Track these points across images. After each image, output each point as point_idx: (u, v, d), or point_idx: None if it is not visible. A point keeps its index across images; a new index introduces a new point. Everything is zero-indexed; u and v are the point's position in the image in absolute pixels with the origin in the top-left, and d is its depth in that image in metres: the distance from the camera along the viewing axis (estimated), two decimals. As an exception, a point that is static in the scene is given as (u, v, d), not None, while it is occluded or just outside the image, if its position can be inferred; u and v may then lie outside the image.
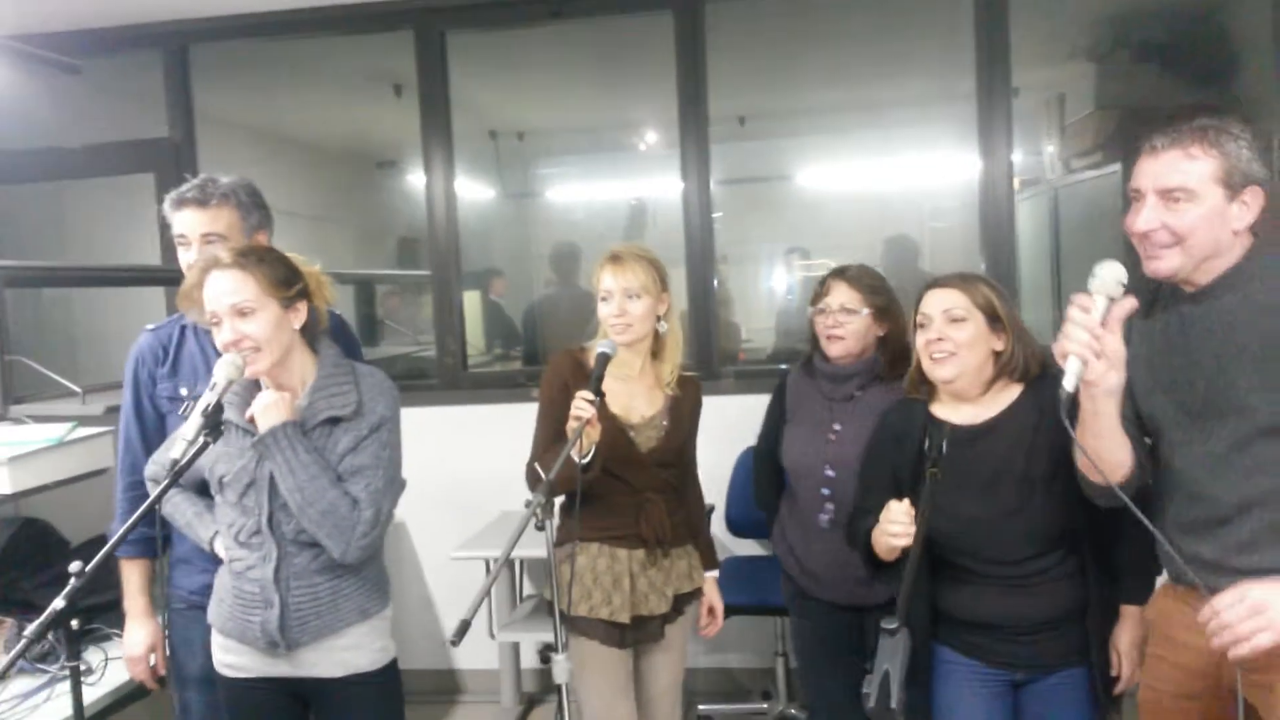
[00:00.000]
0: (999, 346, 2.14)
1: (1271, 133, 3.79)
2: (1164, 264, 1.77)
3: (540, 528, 2.04)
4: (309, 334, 2.12)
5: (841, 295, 2.56)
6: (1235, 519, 1.77)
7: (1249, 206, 1.74)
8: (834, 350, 2.57)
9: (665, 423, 2.51)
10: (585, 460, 2.29)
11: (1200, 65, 4.51)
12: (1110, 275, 1.67)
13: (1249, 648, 1.61)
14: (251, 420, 2.04)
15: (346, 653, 2.12)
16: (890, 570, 2.17)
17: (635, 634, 2.49)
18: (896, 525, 1.99)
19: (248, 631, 2.07)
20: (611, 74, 4.68)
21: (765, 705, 3.74)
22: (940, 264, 4.65)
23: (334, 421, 2.07)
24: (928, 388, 2.24)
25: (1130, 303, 1.67)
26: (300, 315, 2.07)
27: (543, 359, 4.71)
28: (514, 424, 4.10)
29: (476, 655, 3.94)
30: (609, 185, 4.95)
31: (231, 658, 2.13)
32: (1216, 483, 1.78)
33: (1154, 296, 1.91)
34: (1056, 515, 2.06)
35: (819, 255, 5.20)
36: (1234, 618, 1.62)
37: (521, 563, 3.93)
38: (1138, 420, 1.91)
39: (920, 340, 2.19)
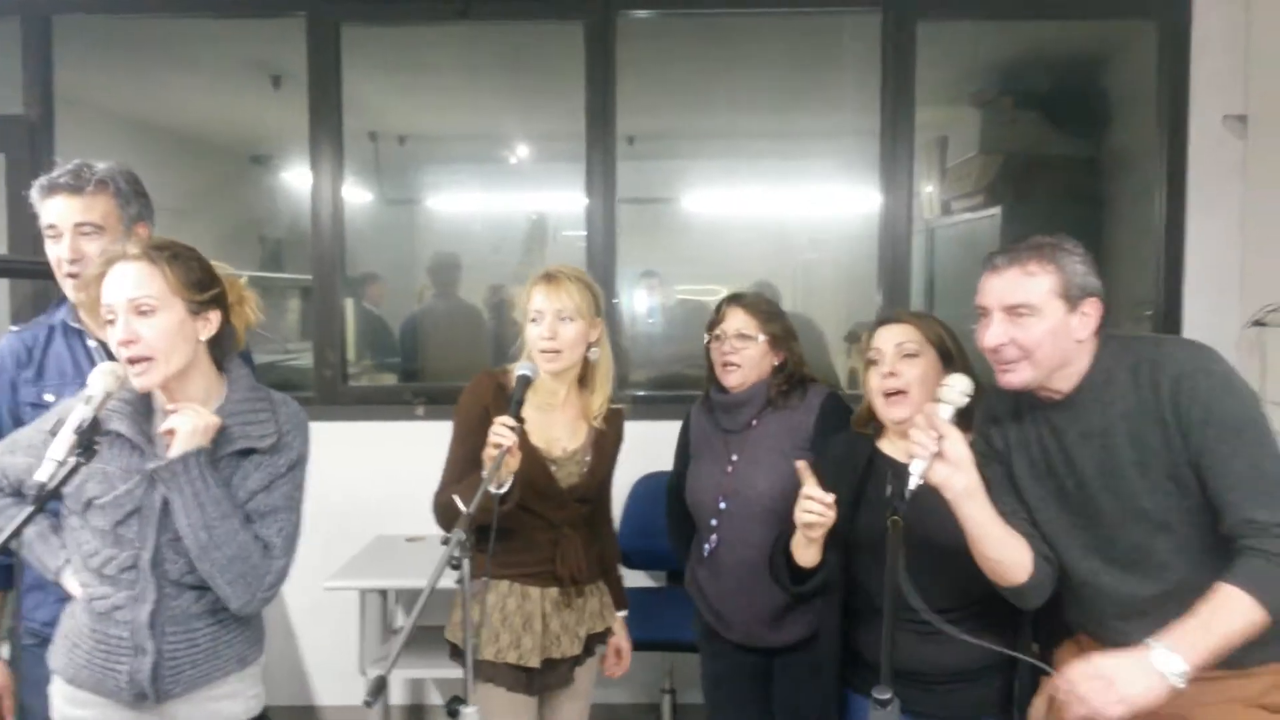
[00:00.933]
0: None
1: (1151, 184, 3.95)
2: (1016, 377, 1.84)
3: (456, 566, 1.84)
4: (218, 351, 1.88)
5: (738, 321, 2.51)
6: (1154, 610, 1.80)
7: (1089, 317, 1.83)
8: (730, 380, 2.52)
9: (589, 458, 2.37)
10: (503, 491, 2.13)
11: (1079, 117, 4.68)
12: (958, 387, 1.84)
13: None
14: (163, 437, 1.78)
15: (220, 703, 1.90)
16: (806, 580, 2.10)
17: (544, 678, 2.33)
18: (812, 503, 1.94)
19: (108, 682, 1.81)
20: (512, 83, 4.53)
21: (652, 744, 3.63)
22: (813, 298, 4.68)
23: (244, 453, 1.84)
24: (875, 424, 2.19)
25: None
26: (210, 326, 1.83)
27: (422, 374, 4.49)
28: (395, 443, 3.91)
29: (342, 691, 3.69)
30: (500, 197, 4.76)
31: (81, 711, 1.86)
32: (1129, 583, 1.83)
33: (1017, 403, 1.97)
34: None
35: (697, 282, 5.14)
36: (1086, 691, 1.67)
37: (394, 593, 3.70)
38: (1034, 524, 1.94)
39: (873, 378, 2.15)
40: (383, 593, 3.54)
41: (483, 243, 4.78)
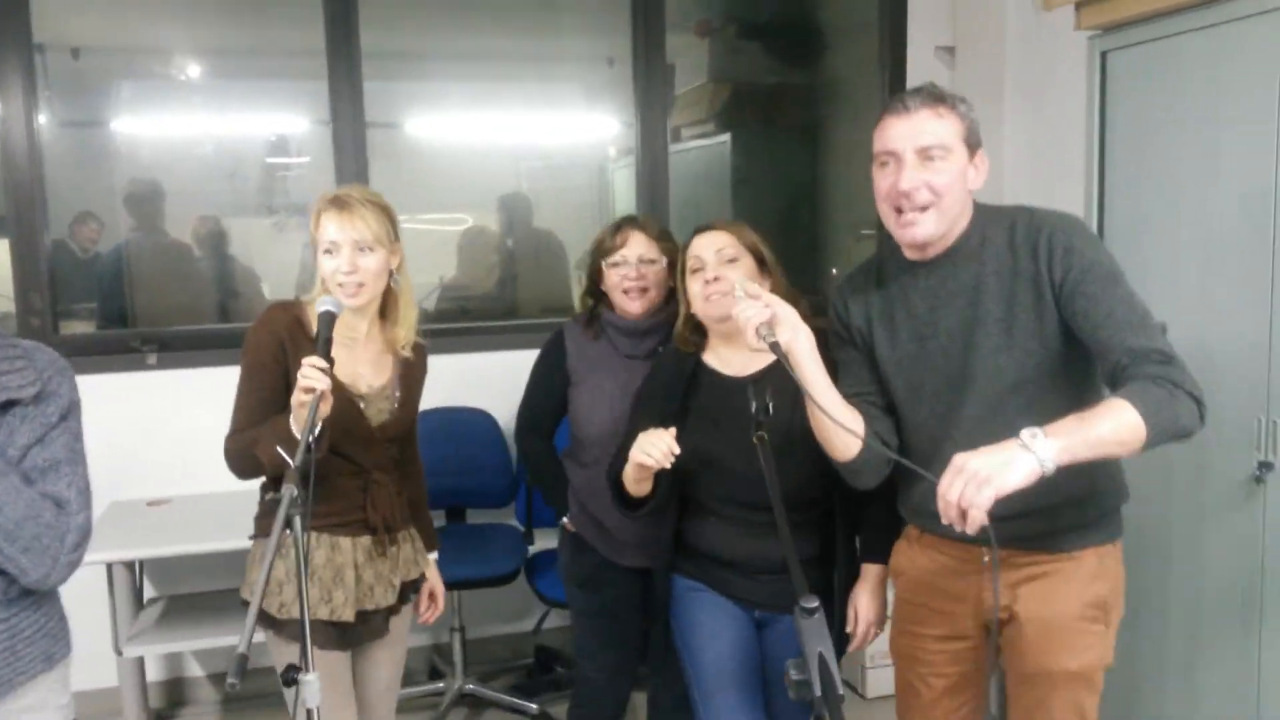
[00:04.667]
0: (768, 287, 2.16)
1: (870, 110, 4.22)
2: (921, 229, 1.81)
3: (288, 526, 1.67)
4: None
5: (640, 246, 2.46)
6: None
7: (979, 170, 1.84)
8: (637, 306, 2.45)
9: (397, 393, 2.23)
10: (313, 437, 1.96)
11: (796, 47, 4.91)
12: (741, 284, 1.88)
13: (979, 512, 1.53)
14: None
15: (23, 716, 1.65)
16: (638, 508, 2.14)
17: (358, 632, 2.21)
18: (653, 446, 1.90)
19: None
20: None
21: (441, 684, 3.54)
22: (547, 226, 4.65)
23: (5, 408, 1.58)
24: (698, 339, 2.22)
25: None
26: None
27: (132, 318, 4.03)
28: (125, 398, 3.50)
29: (91, 674, 3.29)
30: (217, 119, 4.30)
31: None
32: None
33: (880, 272, 1.99)
34: (813, 473, 2.07)
35: (430, 210, 4.99)
36: (955, 493, 1.54)
37: (141, 564, 3.36)
38: (882, 397, 1.98)
39: (695, 284, 2.16)
40: (130, 564, 3.19)
41: (195, 171, 4.31)
